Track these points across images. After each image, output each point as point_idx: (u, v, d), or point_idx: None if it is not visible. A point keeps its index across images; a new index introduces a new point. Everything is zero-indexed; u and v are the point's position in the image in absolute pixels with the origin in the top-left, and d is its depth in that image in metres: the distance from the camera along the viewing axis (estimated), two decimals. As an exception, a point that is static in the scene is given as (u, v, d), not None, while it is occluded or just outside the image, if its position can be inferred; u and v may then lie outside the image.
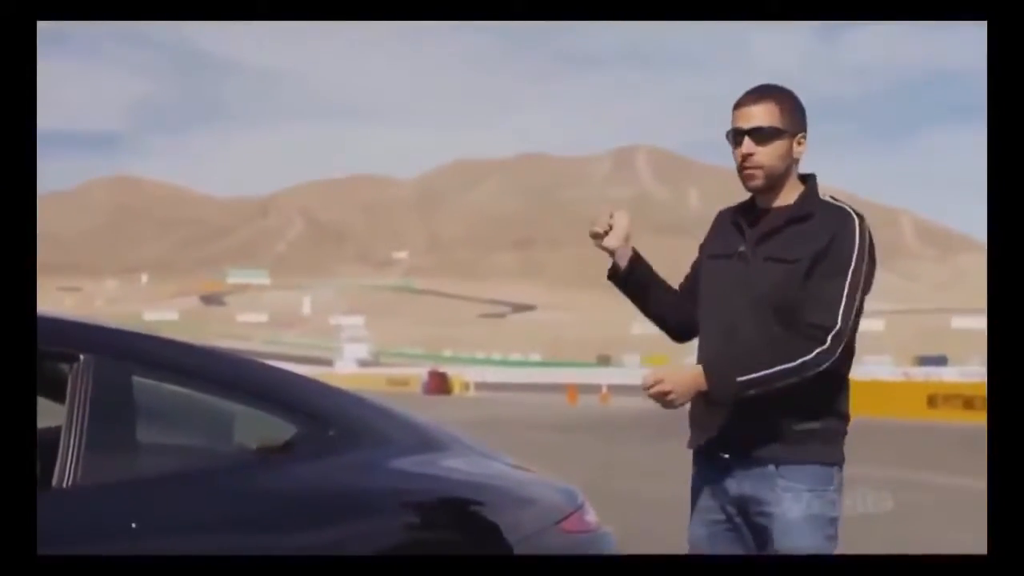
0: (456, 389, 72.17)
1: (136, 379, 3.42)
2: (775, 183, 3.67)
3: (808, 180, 3.71)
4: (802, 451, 3.56)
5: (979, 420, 28.40)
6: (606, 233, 3.78)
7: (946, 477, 15.13)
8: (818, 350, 3.44)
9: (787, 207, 3.66)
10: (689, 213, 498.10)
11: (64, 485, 3.22)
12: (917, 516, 10.99)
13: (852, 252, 3.51)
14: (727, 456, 3.62)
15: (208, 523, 3.33)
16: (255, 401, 3.63)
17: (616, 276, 3.86)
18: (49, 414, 3.52)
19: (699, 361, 3.59)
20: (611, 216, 3.78)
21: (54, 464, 3.25)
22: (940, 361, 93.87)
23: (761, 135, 3.62)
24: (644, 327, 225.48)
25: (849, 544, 3.71)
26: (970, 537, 9.56)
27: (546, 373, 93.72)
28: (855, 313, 3.50)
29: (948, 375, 62.82)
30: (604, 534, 3.98)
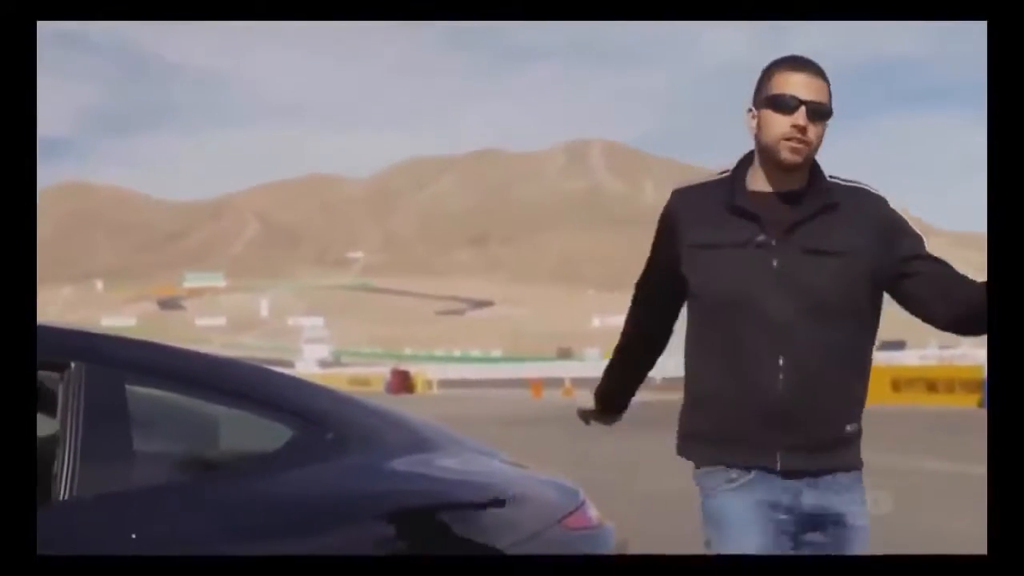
0: (419, 387, 71.98)
1: (129, 387, 3.36)
2: (806, 165, 3.33)
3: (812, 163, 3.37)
4: (853, 456, 3.37)
5: (942, 403, 28.63)
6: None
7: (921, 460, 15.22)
8: None
9: (802, 189, 3.33)
10: (644, 205, 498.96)
11: (61, 497, 3.15)
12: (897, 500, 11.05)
13: (910, 225, 3.33)
14: (794, 468, 3.28)
15: (209, 532, 3.25)
16: (250, 405, 3.55)
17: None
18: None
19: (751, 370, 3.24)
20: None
21: (49, 476, 3.18)
22: (899, 346, 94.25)
23: (818, 111, 3.27)
24: (604, 320, 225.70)
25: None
26: (953, 520, 9.66)
27: (508, 368, 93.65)
28: None
29: (908, 359, 63.12)
30: (606, 529, 3.92)
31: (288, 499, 3.41)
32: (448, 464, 3.76)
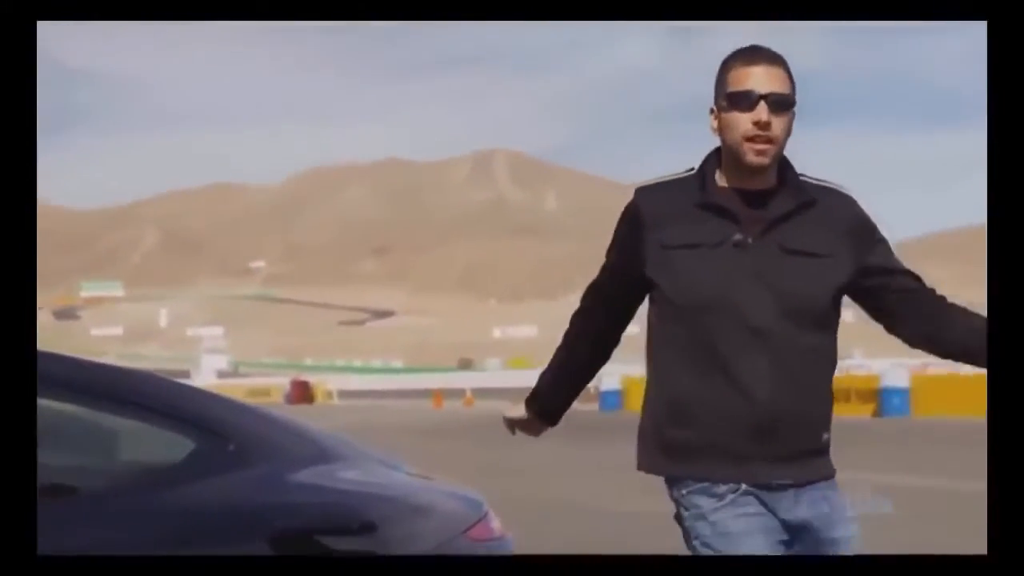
0: (319, 398, 71.64)
1: None
2: (775, 162, 3.18)
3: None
4: (829, 464, 3.29)
5: (838, 413, 28.92)
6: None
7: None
8: None
9: (775, 187, 3.21)
10: (546, 215, 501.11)
11: None
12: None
13: (879, 230, 3.30)
14: (779, 482, 3.17)
15: (108, 545, 3.16)
16: (150, 416, 3.48)
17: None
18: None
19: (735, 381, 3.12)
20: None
21: None
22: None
23: (780, 103, 3.12)
24: (505, 331, 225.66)
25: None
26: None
27: (409, 379, 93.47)
28: None
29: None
30: (508, 541, 3.88)
31: (191, 512, 3.35)
32: (351, 475, 3.70)
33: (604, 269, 3.41)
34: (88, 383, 3.47)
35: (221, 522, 3.36)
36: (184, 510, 3.34)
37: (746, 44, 3.25)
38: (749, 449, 3.14)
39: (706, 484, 3.17)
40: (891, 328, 3.35)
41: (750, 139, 3.12)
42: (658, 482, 3.39)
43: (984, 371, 3.12)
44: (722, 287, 3.12)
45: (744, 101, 3.12)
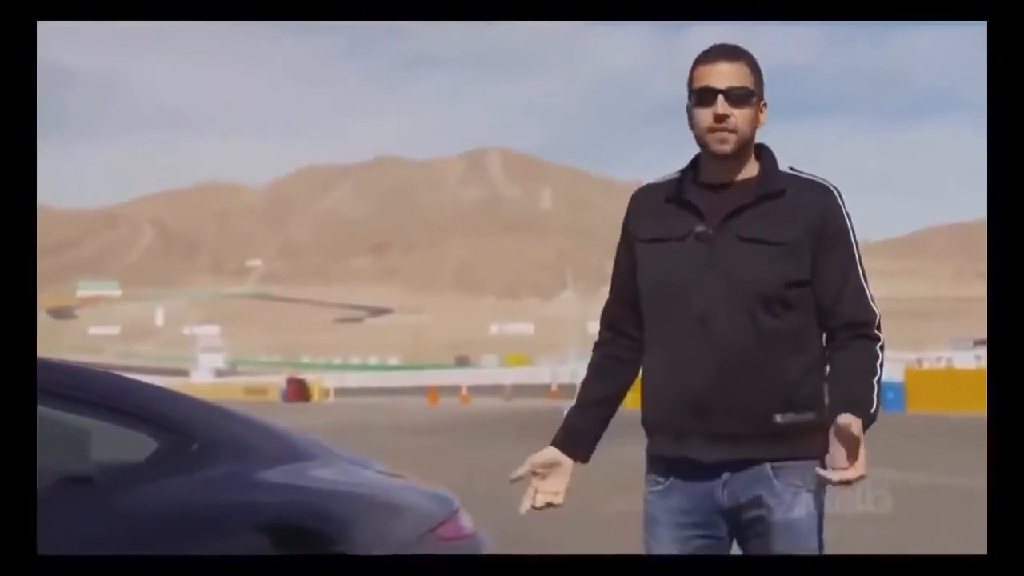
0: (315, 395, 71.74)
1: None
2: (743, 151, 3.33)
3: (764, 151, 3.41)
4: (788, 445, 3.29)
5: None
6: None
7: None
8: (879, 347, 3.28)
9: (750, 180, 3.36)
10: (542, 212, 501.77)
11: None
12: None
13: (849, 232, 3.33)
14: (715, 460, 3.30)
15: (70, 544, 3.12)
16: (112, 416, 3.46)
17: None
18: None
19: (665, 365, 3.32)
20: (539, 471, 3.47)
21: None
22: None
23: (737, 95, 3.29)
24: (502, 328, 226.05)
25: (849, 544, 3.62)
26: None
27: (405, 376, 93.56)
28: None
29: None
30: (479, 539, 3.87)
31: (153, 512, 3.33)
32: (320, 474, 3.68)
33: (612, 277, 3.57)
34: (49, 383, 3.40)
35: (184, 520, 3.33)
36: (146, 509, 3.32)
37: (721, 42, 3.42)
38: (687, 425, 3.31)
39: (650, 472, 3.43)
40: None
41: (712, 131, 3.31)
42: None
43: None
44: (674, 276, 3.33)
45: (704, 97, 3.32)
